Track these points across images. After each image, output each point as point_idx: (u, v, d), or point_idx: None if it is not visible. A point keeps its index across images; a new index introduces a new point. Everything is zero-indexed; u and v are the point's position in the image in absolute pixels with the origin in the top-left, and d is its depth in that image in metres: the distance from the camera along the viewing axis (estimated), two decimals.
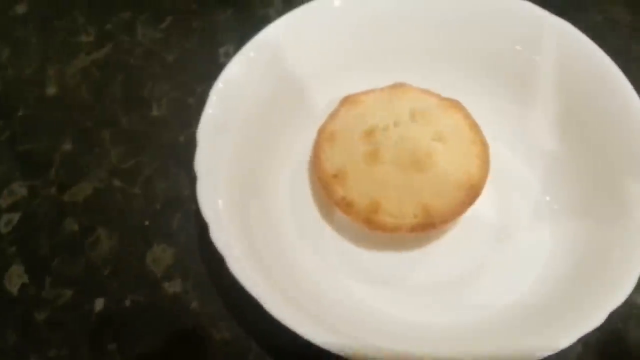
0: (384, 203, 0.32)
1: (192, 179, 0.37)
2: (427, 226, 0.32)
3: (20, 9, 0.46)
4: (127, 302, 0.35)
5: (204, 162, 0.31)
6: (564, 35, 0.35)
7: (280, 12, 0.43)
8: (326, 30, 0.37)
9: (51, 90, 0.42)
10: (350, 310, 0.32)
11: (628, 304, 0.33)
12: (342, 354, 0.27)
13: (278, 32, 0.35)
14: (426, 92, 0.36)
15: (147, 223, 0.37)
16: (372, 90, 0.36)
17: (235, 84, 0.34)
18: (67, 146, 0.40)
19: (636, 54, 0.42)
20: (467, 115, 0.35)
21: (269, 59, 0.35)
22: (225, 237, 0.29)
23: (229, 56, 0.42)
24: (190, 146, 0.38)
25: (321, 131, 0.35)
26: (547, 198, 0.35)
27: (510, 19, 0.35)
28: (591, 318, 0.26)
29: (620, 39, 0.43)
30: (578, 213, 0.33)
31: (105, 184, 0.38)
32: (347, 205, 0.33)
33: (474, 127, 0.35)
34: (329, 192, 0.34)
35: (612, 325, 0.33)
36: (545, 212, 0.34)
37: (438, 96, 0.36)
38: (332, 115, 0.36)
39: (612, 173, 0.32)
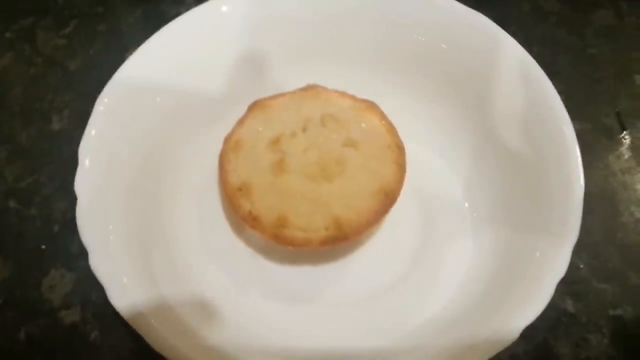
0: (292, 217, 0.30)
1: None
2: (339, 239, 0.30)
3: None
4: (22, 335, 0.32)
5: (85, 182, 0.28)
6: (480, 29, 0.32)
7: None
8: (227, 34, 0.34)
9: None
10: (259, 330, 0.30)
11: (556, 310, 0.31)
12: None
13: (172, 36, 0.33)
14: (340, 93, 0.34)
15: (43, 247, 0.34)
16: (283, 94, 0.34)
17: (126, 94, 0.31)
18: None
19: (564, 44, 0.41)
20: (383, 117, 0.33)
21: (163, 68, 0.32)
22: (110, 264, 0.26)
23: None
24: None
25: (227, 140, 0.33)
26: (466, 204, 0.33)
27: (425, 15, 0.33)
28: (507, 333, 0.24)
29: (548, 28, 0.41)
30: (497, 220, 0.31)
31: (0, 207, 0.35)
32: (253, 220, 0.31)
33: (390, 129, 0.33)
34: (234, 207, 0.31)
35: (539, 336, 0.31)
36: (465, 219, 0.32)
37: (352, 97, 0.33)
38: (239, 122, 0.33)
39: (532, 178, 0.30)
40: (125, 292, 0.26)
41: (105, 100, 0.30)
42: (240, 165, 0.32)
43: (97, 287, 0.32)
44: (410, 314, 0.30)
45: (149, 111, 0.32)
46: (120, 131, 0.30)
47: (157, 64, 0.32)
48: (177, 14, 0.41)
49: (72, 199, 0.35)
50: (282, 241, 0.30)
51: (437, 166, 0.34)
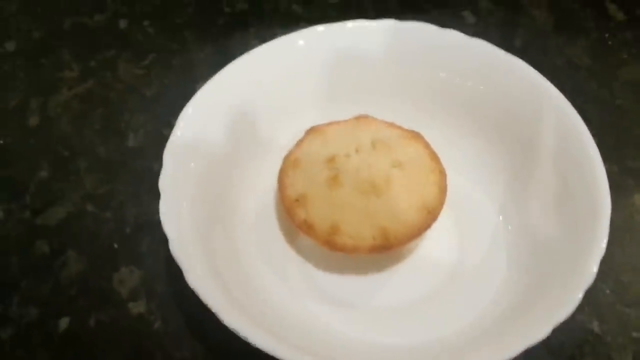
0: (343, 226, 0.34)
1: None
2: (385, 248, 0.33)
3: (9, 45, 0.49)
4: (92, 322, 0.35)
5: (168, 180, 0.32)
6: (520, 74, 0.36)
7: None
8: (291, 68, 0.39)
9: (33, 121, 0.44)
10: (311, 329, 0.33)
11: (583, 330, 0.34)
12: None
13: (248, 65, 0.37)
14: (389, 124, 0.38)
15: (116, 246, 0.38)
16: (337, 122, 0.38)
17: (203, 111, 0.35)
18: (44, 173, 0.41)
19: (593, 95, 0.44)
20: (427, 146, 0.37)
21: (236, 91, 0.37)
22: (186, 251, 0.30)
23: None
24: None
25: (286, 158, 0.37)
26: (501, 218, 0.36)
27: (464, 55, 0.37)
28: (536, 332, 0.27)
29: (579, 81, 0.45)
30: (530, 233, 0.34)
31: (78, 209, 0.39)
32: (308, 228, 0.34)
33: (434, 157, 0.36)
34: (291, 216, 0.35)
35: (568, 352, 0.34)
36: (500, 234, 0.36)
37: (400, 128, 0.37)
38: (297, 144, 0.37)
39: (563, 203, 0.33)
40: (198, 275, 0.29)
41: (190, 110, 0.34)
42: (298, 180, 0.35)
43: (162, 283, 0.36)
44: (445, 322, 0.33)
45: (221, 128, 0.36)
46: (197, 141, 0.34)
47: (233, 86, 0.36)
48: (243, 53, 0.47)
49: (143, 206, 0.39)
50: (333, 247, 0.34)
51: (474, 191, 0.37)
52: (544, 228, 0.33)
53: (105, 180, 0.41)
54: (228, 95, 0.36)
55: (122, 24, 0.49)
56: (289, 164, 0.36)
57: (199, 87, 0.44)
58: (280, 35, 0.42)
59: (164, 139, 0.42)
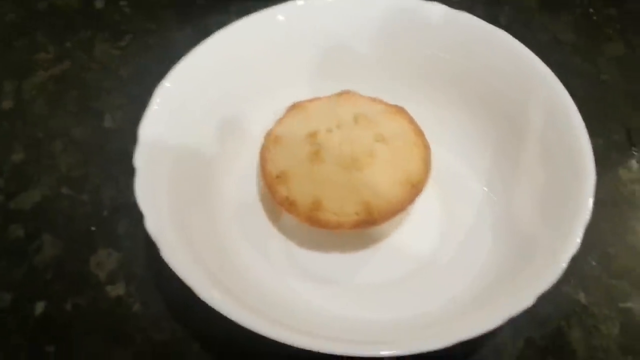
0: (325, 201, 0.33)
1: None
2: (368, 223, 0.33)
3: None
4: (68, 306, 0.34)
5: (144, 157, 0.31)
6: (501, 44, 0.36)
7: None
8: (270, 43, 0.38)
9: (6, 105, 0.43)
10: (293, 306, 0.32)
11: (570, 301, 0.33)
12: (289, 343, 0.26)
13: (225, 41, 0.36)
14: (372, 99, 0.37)
15: (93, 229, 0.37)
16: (319, 98, 0.37)
17: (181, 87, 0.34)
18: (18, 156, 0.40)
19: (578, 70, 0.44)
20: (411, 120, 0.36)
21: (215, 66, 0.36)
22: (161, 226, 0.29)
23: None
24: None
25: (267, 135, 0.36)
26: (485, 189, 0.36)
27: (449, 29, 0.37)
28: (520, 301, 0.26)
29: (563, 56, 0.45)
30: (516, 205, 0.33)
31: (53, 192, 0.38)
32: (290, 204, 0.33)
33: (418, 131, 0.36)
34: (273, 193, 0.34)
35: (555, 322, 0.33)
36: (485, 206, 0.35)
37: (383, 103, 0.37)
38: (279, 121, 0.36)
39: (548, 174, 0.33)
40: (175, 251, 0.28)
41: (167, 84, 0.33)
42: (279, 156, 0.35)
43: (141, 266, 0.35)
44: (430, 297, 0.32)
45: (200, 104, 0.35)
46: (174, 115, 0.33)
47: (212, 62, 0.35)
48: None
49: (120, 188, 0.38)
50: (315, 223, 0.33)
51: (459, 165, 0.37)
52: (529, 200, 0.33)
53: (82, 162, 0.40)
54: (207, 70, 0.35)
55: (98, 4, 0.48)
56: (270, 140, 0.36)
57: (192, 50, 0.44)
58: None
59: (140, 119, 0.41)
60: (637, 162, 0.39)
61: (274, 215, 0.36)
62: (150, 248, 0.35)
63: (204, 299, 0.27)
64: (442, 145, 0.36)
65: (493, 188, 0.36)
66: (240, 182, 0.37)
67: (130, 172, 0.38)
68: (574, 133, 0.32)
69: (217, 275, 0.30)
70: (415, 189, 0.34)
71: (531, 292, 0.26)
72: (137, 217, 0.36)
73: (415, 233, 0.35)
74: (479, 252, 0.33)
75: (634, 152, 0.40)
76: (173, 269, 0.28)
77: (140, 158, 0.31)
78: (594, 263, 0.35)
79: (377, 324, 0.31)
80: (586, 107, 0.39)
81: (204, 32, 0.45)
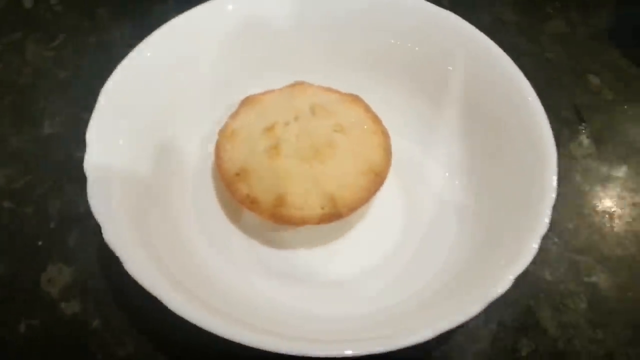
0: (289, 197, 0.32)
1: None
2: (334, 216, 0.32)
3: None
4: (22, 328, 0.32)
5: (93, 161, 0.29)
6: (450, 26, 0.35)
7: None
8: (221, 34, 0.36)
9: None
10: (259, 306, 0.31)
11: (536, 280, 0.33)
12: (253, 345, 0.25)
13: (170, 36, 0.34)
14: (326, 89, 0.36)
15: (40, 243, 0.35)
16: (272, 90, 0.36)
17: (127, 87, 0.32)
18: None
19: (523, 49, 0.44)
20: (368, 109, 0.35)
21: (162, 62, 0.34)
22: (120, 236, 0.27)
23: None
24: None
25: (222, 132, 0.35)
26: (447, 174, 0.35)
27: (396, 14, 0.36)
28: (494, 286, 0.26)
29: (508, 37, 0.45)
30: (478, 188, 0.33)
31: None
32: (252, 202, 0.32)
33: (375, 119, 0.35)
34: (232, 191, 0.33)
35: (524, 302, 0.33)
36: (447, 191, 0.35)
37: (338, 92, 0.36)
38: (233, 116, 0.35)
39: (509, 153, 0.33)
40: (136, 260, 0.26)
41: (111, 85, 0.31)
42: (236, 153, 0.33)
43: (96, 279, 0.34)
44: (398, 289, 0.32)
45: (148, 103, 0.33)
46: (123, 117, 0.31)
47: (158, 57, 0.33)
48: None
49: (67, 198, 0.36)
50: (280, 220, 0.32)
51: (417, 152, 0.36)
52: (493, 183, 0.33)
53: (22, 173, 0.37)
54: (152, 67, 0.34)
55: (27, 3, 0.45)
56: (225, 137, 0.34)
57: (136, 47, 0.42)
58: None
59: (84, 123, 0.39)
60: (587, 137, 0.40)
61: (233, 212, 0.35)
62: (103, 259, 0.34)
63: (167, 304, 0.26)
64: (399, 133, 0.36)
65: (454, 173, 0.35)
66: (196, 181, 0.36)
67: (76, 180, 0.36)
68: (532, 113, 0.32)
69: (180, 280, 0.28)
70: (378, 177, 0.33)
71: (506, 276, 0.26)
72: (87, 227, 0.35)
73: (379, 223, 0.35)
74: (445, 239, 0.33)
75: (583, 128, 0.40)
76: (137, 279, 0.26)
77: (90, 164, 0.29)
78: (555, 239, 0.35)
79: (343, 319, 0.31)
80: (534, 85, 0.39)
81: (144, 28, 0.43)
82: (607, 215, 0.37)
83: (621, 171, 0.39)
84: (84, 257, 0.34)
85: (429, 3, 0.36)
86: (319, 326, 0.30)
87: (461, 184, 0.35)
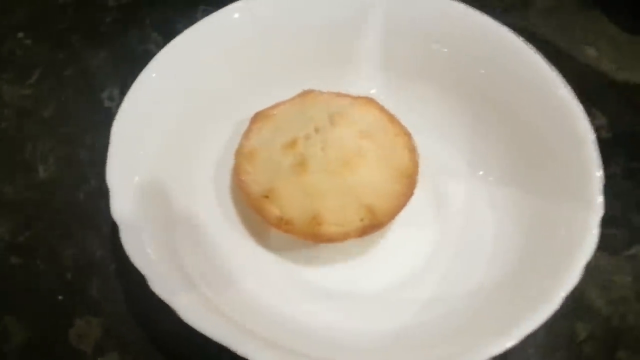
0: (325, 213, 0.30)
1: (101, 237, 0.34)
2: (376, 227, 0.31)
3: None
4: None
5: (120, 207, 0.27)
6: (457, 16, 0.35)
7: (160, 46, 0.41)
8: (217, 51, 0.34)
9: None
10: (301, 329, 0.30)
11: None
12: None
13: (173, 58, 0.33)
14: (336, 94, 0.35)
15: (60, 298, 0.32)
16: (282, 103, 0.34)
17: (133, 121, 0.30)
18: None
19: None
20: (383, 110, 0.34)
21: (167, 88, 0.32)
22: (168, 284, 0.25)
23: (113, 100, 0.39)
24: (91, 202, 0.34)
25: (239, 153, 0.33)
26: (481, 172, 0.34)
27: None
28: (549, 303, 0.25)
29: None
30: (515, 182, 0.33)
31: (1, 265, 0.33)
32: (286, 224, 0.31)
33: (393, 119, 0.34)
34: (263, 214, 0.31)
35: None
36: (481, 187, 0.34)
37: (349, 96, 0.35)
38: (246, 135, 0.33)
39: (536, 140, 0.32)
40: (189, 306, 0.25)
41: (121, 121, 0.29)
42: (260, 174, 0.32)
43: (129, 327, 0.31)
44: (443, 293, 0.31)
45: (158, 131, 0.31)
46: (137, 153, 0.30)
47: (164, 82, 0.32)
48: (145, 50, 0.42)
49: (79, 245, 0.34)
50: (319, 239, 0.31)
51: (442, 149, 0.35)
52: (530, 180, 0.32)
53: (24, 224, 0.35)
54: (159, 95, 0.32)
55: None
56: (244, 158, 0.32)
57: (106, 96, 0.39)
58: (179, 24, 0.39)
59: (80, 162, 0.37)
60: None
61: (261, 234, 0.33)
62: (135, 305, 0.32)
63: (237, 350, 0.24)
64: (417, 131, 0.34)
65: (484, 165, 0.34)
66: (215, 207, 0.34)
67: (86, 223, 0.34)
68: (574, 124, 0.30)
69: (232, 316, 0.27)
70: (410, 180, 0.32)
71: (573, 267, 0.26)
72: (108, 273, 0.33)
73: (412, 231, 0.33)
74: (484, 239, 0.32)
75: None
76: (198, 328, 0.24)
77: (118, 210, 0.27)
78: None
79: (381, 334, 0.30)
80: None
81: (123, 53, 0.41)
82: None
83: None
84: (111, 305, 0.32)
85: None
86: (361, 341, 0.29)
87: (495, 179, 0.34)
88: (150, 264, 0.25)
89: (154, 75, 0.31)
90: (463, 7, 0.34)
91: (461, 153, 0.35)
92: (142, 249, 0.26)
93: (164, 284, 0.25)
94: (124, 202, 0.27)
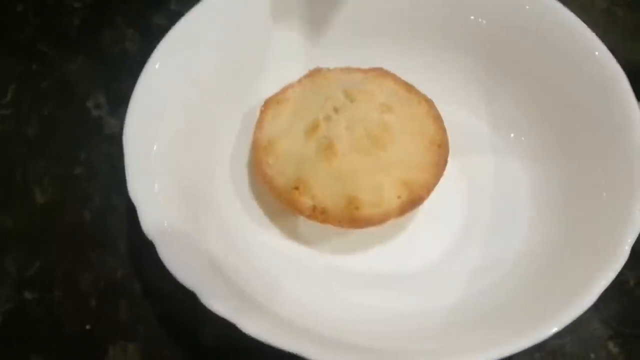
0: (362, 195, 0.29)
1: (119, 256, 0.32)
2: (415, 202, 0.29)
3: None
4: None
5: (151, 223, 0.25)
6: None
7: (138, 43, 0.39)
8: (215, 38, 0.32)
9: None
10: (357, 321, 0.28)
11: None
12: None
13: (172, 50, 0.30)
14: (346, 69, 0.33)
15: (88, 327, 0.30)
16: (290, 85, 0.33)
17: (146, 125, 0.28)
18: None
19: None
20: (397, 79, 0.33)
21: (170, 86, 0.30)
22: (220, 298, 0.23)
23: (100, 107, 0.37)
24: (100, 220, 0.32)
25: (256, 146, 0.31)
26: (512, 135, 0.33)
27: None
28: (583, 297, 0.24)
29: None
30: (549, 143, 0.31)
31: (16, 302, 0.30)
32: (322, 213, 0.29)
33: (410, 88, 0.32)
34: (296, 207, 0.29)
35: None
36: (512, 150, 0.33)
37: (359, 69, 0.33)
38: (259, 125, 0.31)
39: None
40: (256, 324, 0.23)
41: (130, 128, 0.27)
42: (284, 165, 0.30)
43: (169, 346, 0.30)
44: (490, 261, 0.30)
45: (170, 133, 0.29)
46: (154, 159, 0.27)
47: (166, 80, 0.29)
48: (122, 50, 0.39)
49: (96, 268, 0.31)
50: (357, 224, 0.29)
51: (462, 114, 0.34)
52: (565, 139, 0.31)
53: (31, 255, 0.32)
54: (163, 94, 0.29)
55: None
56: (263, 151, 0.30)
57: (92, 104, 0.37)
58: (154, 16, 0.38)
59: (77, 179, 0.35)
60: None
61: (292, 230, 0.31)
62: (170, 323, 0.30)
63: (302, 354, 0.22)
64: (437, 98, 0.33)
65: (514, 127, 0.33)
66: (242, 204, 0.32)
67: (99, 244, 0.32)
68: (624, 108, 0.29)
69: (284, 319, 0.25)
70: (442, 148, 0.31)
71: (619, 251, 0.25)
72: (135, 293, 0.31)
73: (447, 201, 0.32)
74: (522, 202, 0.31)
75: None
76: (258, 337, 0.22)
77: (149, 224, 0.25)
78: None
79: (433, 313, 0.29)
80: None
81: (100, 57, 0.38)
82: None
83: None
84: (144, 326, 0.30)
85: None
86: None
87: (527, 140, 0.33)
88: (199, 279, 0.23)
89: (155, 76, 0.29)
90: None
91: (487, 118, 0.34)
92: (185, 263, 0.24)
93: (218, 298, 0.23)
94: (154, 217, 0.25)
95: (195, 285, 0.23)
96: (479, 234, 0.31)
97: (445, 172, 0.31)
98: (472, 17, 0.33)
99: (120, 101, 0.31)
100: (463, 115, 0.34)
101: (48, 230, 0.32)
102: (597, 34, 0.30)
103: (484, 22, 0.33)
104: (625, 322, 0.31)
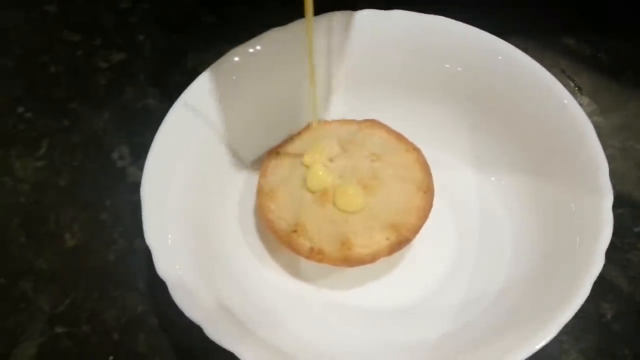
0: (353, 238, 0.32)
1: (140, 293, 0.35)
2: (402, 242, 0.32)
3: None
4: None
5: (165, 265, 0.28)
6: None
7: (158, 99, 0.43)
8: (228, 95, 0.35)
9: None
10: (355, 354, 0.31)
11: None
12: None
13: (186, 111, 0.34)
14: (342, 121, 0.36)
15: (111, 358, 0.33)
16: (291, 139, 0.36)
17: (162, 176, 0.32)
18: None
19: None
20: (389, 130, 0.36)
21: (185, 142, 0.33)
22: (228, 333, 0.26)
23: (124, 159, 0.40)
24: (122, 262, 0.36)
25: (260, 193, 0.34)
26: (492, 178, 0.36)
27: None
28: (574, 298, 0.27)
29: None
30: (526, 183, 0.34)
31: (48, 336, 0.34)
32: (319, 254, 0.32)
33: (400, 137, 0.36)
34: (295, 249, 0.32)
35: None
36: (495, 192, 0.36)
37: (354, 121, 0.36)
38: (263, 174, 0.35)
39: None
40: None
41: (148, 176, 0.31)
42: (285, 210, 0.33)
43: None
44: (478, 293, 0.33)
45: (185, 184, 0.33)
46: (169, 208, 0.31)
47: (180, 137, 0.33)
48: (144, 105, 0.43)
49: (119, 304, 0.35)
50: (350, 263, 0.32)
51: (447, 159, 0.37)
52: (540, 181, 0.34)
53: (62, 293, 0.35)
54: (178, 148, 0.33)
55: None
56: (265, 196, 0.34)
57: (117, 156, 0.41)
58: (173, 75, 0.42)
59: (104, 224, 0.38)
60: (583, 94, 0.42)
61: (292, 270, 0.35)
62: (186, 353, 0.33)
63: None
64: (425, 143, 0.36)
65: (499, 174, 0.36)
66: (248, 246, 0.35)
67: (122, 283, 0.35)
68: (581, 132, 0.32)
69: (289, 354, 0.28)
70: (428, 193, 0.34)
71: (597, 252, 0.27)
72: (152, 327, 0.34)
73: (436, 239, 0.35)
74: (505, 238, 0.34)
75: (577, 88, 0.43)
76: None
77: (163, 267, 0.28)
78: None
79: (418, 346, 0.31)
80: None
81: (127, 112, 0.42)
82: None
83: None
84: (161, 358, 0.33)
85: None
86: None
87: (506, 183, 0.36)
88: (205, 315, 0.27)
89: (170, 132, 0.32)
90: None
91: (472, 161, 0.37)
92: (193, 301, 0.27)
93: (222, 332, 0.26)
94: (166, 262, 0.28)
95: (201, 320, 0.26)
96: (466, 269, 0.34)
97: (433, 213, 0.34)
98: (447, 66, 0.36)
99: (141, 152, 0.35)
100: (448, 158, 0.37)
101: (77, 271, 0.36)
102: None
103: (460, 69, 0.36)
104: (603, 355, 0.33)
